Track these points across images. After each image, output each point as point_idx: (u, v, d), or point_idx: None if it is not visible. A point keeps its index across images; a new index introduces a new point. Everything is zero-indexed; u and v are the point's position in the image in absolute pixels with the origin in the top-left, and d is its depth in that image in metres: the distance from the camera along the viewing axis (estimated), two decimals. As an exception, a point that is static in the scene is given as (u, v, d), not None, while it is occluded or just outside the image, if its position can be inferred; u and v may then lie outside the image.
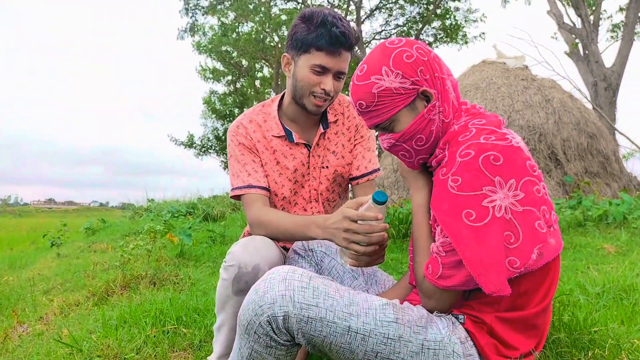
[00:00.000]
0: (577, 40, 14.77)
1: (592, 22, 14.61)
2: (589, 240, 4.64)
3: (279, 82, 21.32)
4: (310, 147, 1.94)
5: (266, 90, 24.82)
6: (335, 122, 1.98)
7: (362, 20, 19.69)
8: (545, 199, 1.29)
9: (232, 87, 25.63)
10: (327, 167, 1.96)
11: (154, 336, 2.24)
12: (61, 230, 6.31)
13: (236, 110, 25.02)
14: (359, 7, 19.30)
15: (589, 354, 1.63)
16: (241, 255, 1.64)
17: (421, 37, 19.38)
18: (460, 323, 1.35)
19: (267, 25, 17.91)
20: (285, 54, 1.85)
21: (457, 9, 19.24)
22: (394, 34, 20.26)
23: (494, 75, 9.52)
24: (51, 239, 6.19)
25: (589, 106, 9.96)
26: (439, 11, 19.06)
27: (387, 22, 20.64)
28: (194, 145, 25.00)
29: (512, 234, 1.23)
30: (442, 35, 19.82)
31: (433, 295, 1.35)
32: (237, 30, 19.03)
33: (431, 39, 19.97)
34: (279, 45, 19.28)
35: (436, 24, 19.77)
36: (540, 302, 1.34)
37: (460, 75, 10.34)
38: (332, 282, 1.32)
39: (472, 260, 1.21)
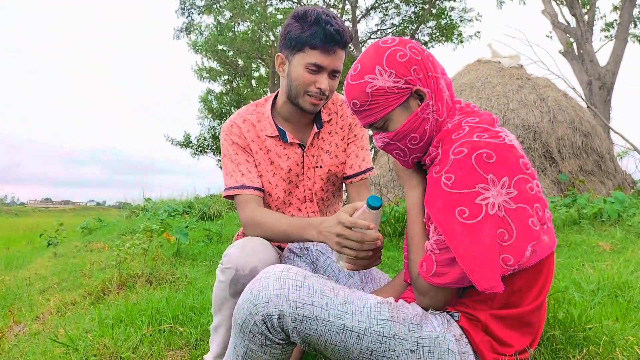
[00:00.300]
0: (571, 40, 14.81)
1: (586, 22, 14.65)
2: (584, 238, 4.66)
3: (275, 82, 21.29)
4: (305, 147, 1.92)
5: (262, 90, 24.79)
6: (329, 121, 1.97)
7: (357, 19, 19.69)
8: (538, 197, 1.30)
9: (229, 87, 25.59)
10: (320, 166, 1.95)
11: (150, 335, 2.24)
12: (58, 230, 6.30)
13: (232, 110, 24.96)
14: (354, 7, 19.31)
15: (584, 351, 1.64)
16: (238, 257, 1.62)
17: (417, 36, 19.39)
18: (455, 320, 1.35)
19: (262, 24, 17.89)
20: (279, 53, 1.83)
21: (452, 9, 19.27)
22: (389, 33, 20.26)
23: (489, 74, 9.55)
24: (48, 238, 6.19)
25: (584, 105, 10.00)
26: (434, 11, 19.08)
27: (382, 21, 20.66)
28: (191, 144, 24.95)
29: (506, 232, 1.23)
30: (437, 34, 19.83)
31: (427, 292, 1.36)
32: (233, 29, 19.00)
33: (427, 38, 19.98)
34: (275, 45, 19.24)
35: (431, 23, 19.78)
36: (534, 299, 1.35)
37: (455, 74, 10.35)
38: (327, 280, 1.33)
39: (465, 257, 1.22)
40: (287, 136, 1.90)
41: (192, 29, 20.37)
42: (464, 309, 1.36)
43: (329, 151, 1.96)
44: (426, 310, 1.38)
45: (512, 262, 1.23)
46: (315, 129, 1.93)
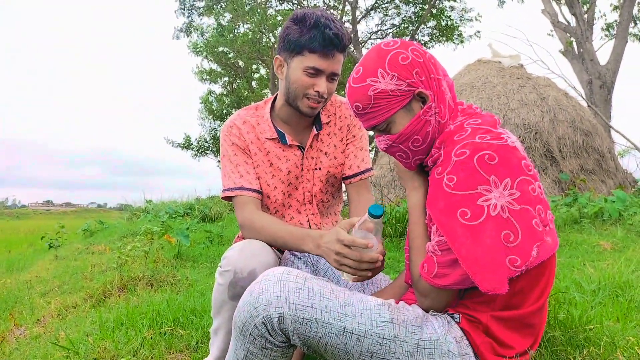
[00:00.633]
0: (571, 39, 14.81)
1: (586, 21, 14.64)
2: (584, 237, 4.65)
3: (276, 83, 21.27)
4: (304, 149, 1.92)
5: (263, 92, 24.78)
6: (328, 123, 1.97)
7: (357, 20, 19.68)
8: (540, 198, 1.29)
9: (229, 88, 25.58)
10: (320, 168, 1.94)
11: (151, 338, 2.24)
12: (59, 232, 6.30)
13: (233, 111, 24.93)
14: (354, 7, 19.30)
15: (584, 352, 1.63)
16: (237, 260, 1.62)
17: (417, 36, 19.38)
18: (456, 322, 1.35)
19: (263, 26, 17.89)
20: (277, 56, 1.83)
21: (452, 9, 19.26)
22: (389, 33, 20.24)
23: (490, 74, 9.55)
24: (49, 240, 6.18)
25: (584, 104, 10.00)
26: (434, 11, 19.07)
27: (382, 21, 20.64)
28: (191, 146, 24.94)
29: (511, 233, 1.22)
30: (437, 34, 19.82)
31: (429, 294, 1.36)
32: (234, 31, 19.00)
33: (427, 39, 19.97)
34: (275, 47, 19.20)
35: (432, 23, 19.78)
36: (535, 301, 1.34)
37: (456, 74, 10.36)
38: (327, 282, 1.33)
39: (467, 258, 1.21)
40: (286, 138, 1.89)
41: (192, 29, 20.37)
42: (465, 310, 1.36)
43: (327, 153, 1.95)
44: (427, 311, 1.38)
45: (520, 263, 1.22)
46: (315, 131, 1.93)
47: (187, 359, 2.13)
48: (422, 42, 19.37)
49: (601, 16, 17.89)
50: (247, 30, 19.06)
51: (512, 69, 9.65)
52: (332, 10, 18.74)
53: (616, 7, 16.63)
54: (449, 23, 19.18)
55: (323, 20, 1.69)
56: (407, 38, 18.14)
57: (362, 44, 19.78)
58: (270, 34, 19.00)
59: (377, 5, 20.05)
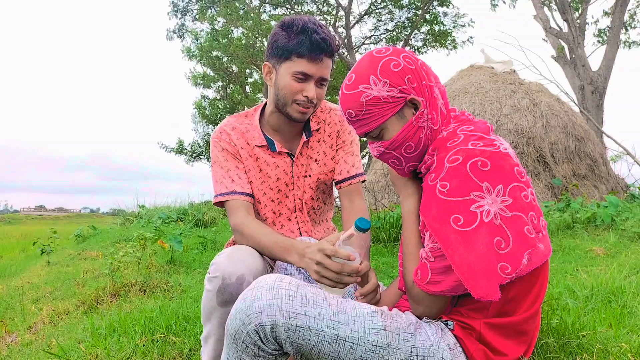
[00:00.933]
0: (563, 45, 14.91)
1: (578, 27, 14.76)
2: (577, 243, 4.67)
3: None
4: (294, 157, 1.92)
5: (256, 96, 24.77)
6: (317, 130, 1.96)
7: (351, 25, 19.74)
8: (533, 205, 1.29)
9: (223, 93, 25.56)
10: (309, 175, 1.94)
11: (143, 345, 2.22)
12: (51, 238, 6.26)
13: (226, 115, 24.78)
14: (348, 13, 19.36)
15: (577, 359, 1.64)
16: (225, 266, 1.61)
17: (410, 42, 19.45)
18: (449, 329, 1.35)
19: (256, 31, 17.91)
20: (266, 62, 1.83)
21: (445, 14, 19.36)
22: (383, 39, 20.32)
23: (482, 79, 9.59)
24: (41, 246, 6.14)
25: (576, 109, 10.06)
26: (427, 16, 19.15)
27: (376, 27, 20.70)
28: (184, 151, 24.87)
29: (502, 240, 1.23)
30: (430, 40, 19.90)
31: (422, 300, 1.36)
32: (228, 35, 19.01)
33: (420, 44, 20.05)
34: (268, 52, 19.14)
35: (425, 29, 19.86)
36: (529, 307, 1.35)
37: (448, 80, 10.40)
38: (320, 290, 1.32)
39: (460, 265, 1.21)
40: (276, 145, 1.89)
41: (185, 32, 20.37)
42: (459, 317, 1.36)
43: (317, 160, 1.95)
44: (420, 318, 1.38)
45: (510, 271, 1.23)
46: (304, 138, 1.93)
47: (180, 366, 2.12)
48: (416, 47, 19.45)
49: (593, 22, 18.04)
50: (241, 35, 19.07)
51: (504, 74, 9.70)
52: (325, 16, 18.80)
53: (607, 13, 16.78)
54: (442, 29, 19.27)
55: (310, 26, 1.70)
56: (401, 43, 18.22)
57: (356, 49, 19.83)
58: (264, 39, 19.02)
59: (370, 10, 20.11)
